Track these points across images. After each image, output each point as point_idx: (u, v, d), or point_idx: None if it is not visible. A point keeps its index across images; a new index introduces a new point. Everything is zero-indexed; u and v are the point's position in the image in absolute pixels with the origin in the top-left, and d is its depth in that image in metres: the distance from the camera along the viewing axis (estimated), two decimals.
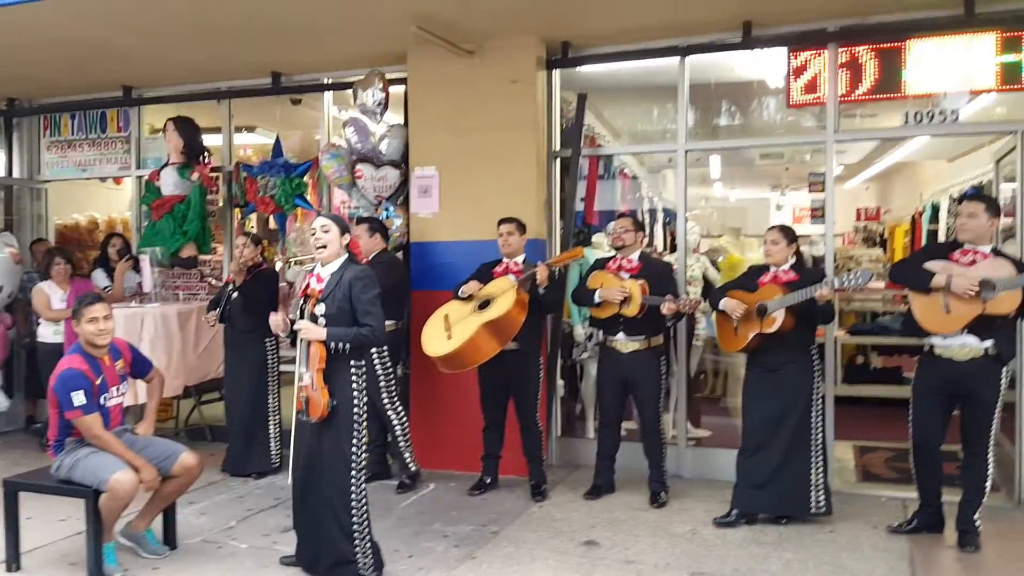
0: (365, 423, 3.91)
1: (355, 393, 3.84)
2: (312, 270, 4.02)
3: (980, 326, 4.15)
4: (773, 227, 4.89)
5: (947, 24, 5.16)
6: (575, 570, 4.17)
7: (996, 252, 4.28)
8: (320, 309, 3.83)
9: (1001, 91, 5.28)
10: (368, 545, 3.90)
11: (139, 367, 4.53)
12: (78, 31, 5.63)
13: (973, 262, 4.22)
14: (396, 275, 5.48)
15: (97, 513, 4.02)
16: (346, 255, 3.95)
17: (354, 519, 3.84)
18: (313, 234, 3.93)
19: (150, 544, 4.36)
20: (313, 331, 3.78)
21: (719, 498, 5.09)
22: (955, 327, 4.19)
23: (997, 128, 5.63)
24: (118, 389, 4.31)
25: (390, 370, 5.42)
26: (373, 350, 5.28)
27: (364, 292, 3.81)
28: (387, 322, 5.25)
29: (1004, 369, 4.24)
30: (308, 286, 3.95)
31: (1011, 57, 5.08)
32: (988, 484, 4.37)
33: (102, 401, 4.17)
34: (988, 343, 4.18)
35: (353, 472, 3.84)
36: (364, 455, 3.91)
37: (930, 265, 4.31)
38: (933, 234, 8.36)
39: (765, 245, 4.84)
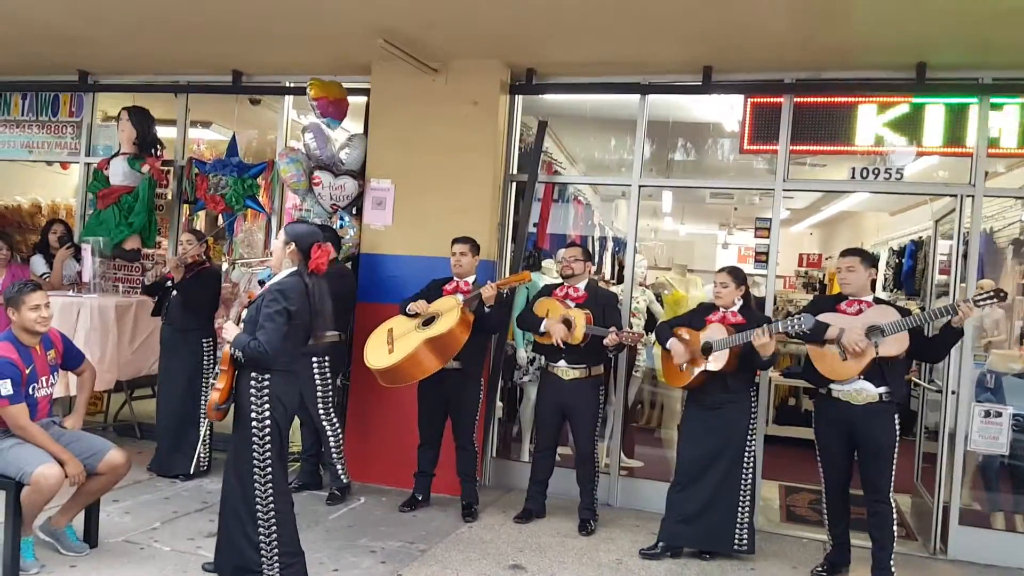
0: (268, 438, 3.74)
1: (253, 406, 3.73)
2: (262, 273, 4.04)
3: (874, 372, 4.36)
4: (723, 269, 4.95)
5: (899, 86, 5.36)
6: None
7: (877, 300, 4.55)
8: (244, 314, 3.85)
9: (945, 154, 5.49)
10: (275, 556, 3.79)
11: (71, 359, 4.44)
12: (27, 13, 5.51)
13: (860, 311, 4.46)
14: (345, 286, 5.46)
15: (18, 506, 3.93)
16: (294, 267, 3.86)
17: (260, 529, 3.76)
18: None
19: (70, 541, 4.26)
20: (227, 331, 3.81)
21: (647, 529, 5.16)
22: (853, 373, 4.39)
23: (939, 190, 5.81)
24: (48, 380, 4.22)
25: (328, 380, 5.38)
26: (313, 359, 5.24)
27: (266, 306, 3.71)
28: (330, 333, 5.24)
29: (896, 415, 4.43)
30: None
31: (957, 122, 5.29)
32: (895, 528, 4.48)
33: (31, 391, 4.08)
34: (883, 389, 4.38)
35: (256, 483, 3.75)
36: (267, 467, 3.75)
37: (821, 317, 4.49)
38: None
39: (715, 287, 4.90)
